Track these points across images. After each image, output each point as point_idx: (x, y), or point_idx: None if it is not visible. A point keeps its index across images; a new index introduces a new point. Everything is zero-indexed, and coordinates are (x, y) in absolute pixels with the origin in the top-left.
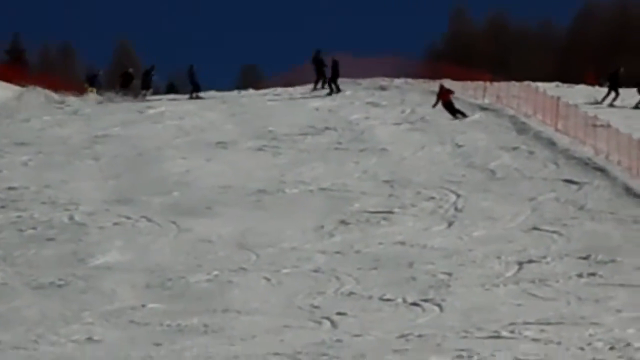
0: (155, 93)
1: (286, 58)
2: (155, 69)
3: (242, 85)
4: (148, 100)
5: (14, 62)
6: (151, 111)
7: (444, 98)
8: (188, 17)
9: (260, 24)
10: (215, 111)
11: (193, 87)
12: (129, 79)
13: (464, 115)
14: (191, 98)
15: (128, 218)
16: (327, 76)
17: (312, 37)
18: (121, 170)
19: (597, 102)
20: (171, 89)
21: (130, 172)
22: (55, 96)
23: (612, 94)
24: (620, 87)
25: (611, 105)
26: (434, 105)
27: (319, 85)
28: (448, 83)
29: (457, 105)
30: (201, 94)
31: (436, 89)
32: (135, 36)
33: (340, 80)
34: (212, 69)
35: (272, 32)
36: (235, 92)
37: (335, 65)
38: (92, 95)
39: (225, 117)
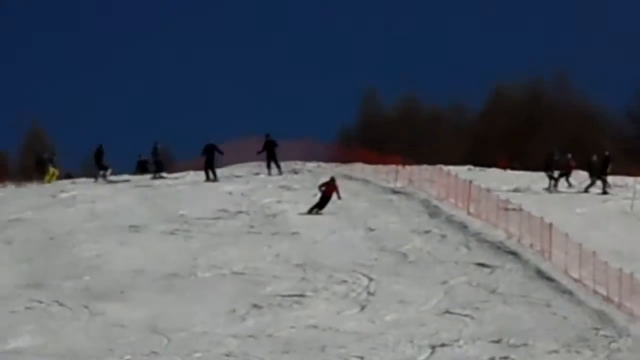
0: (67, 177)
1: (197, 142)
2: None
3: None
4: (62, 186)
5: None
6: (63, 195)
7: (329, 192)
8: (100, 98)
9: (173, 106)
10: (128, 195)
11: (157, 166)
12: (43, 164)
13: (318, 212)
14: (154, 178)
15: (40, 302)
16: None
17: (224, 121)
18: (33, 254)
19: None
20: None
21: (41, 256)
22: None
23: (592, 181)
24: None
25: (586, 191)
26: (320, 187)
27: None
28: (360, 167)
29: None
30: (163, 174)
31: (348, 172)
32: (45, 119)
33: (250, 165)
34: (120, 153)
35: (185, 115)
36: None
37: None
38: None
39: (137, 200)
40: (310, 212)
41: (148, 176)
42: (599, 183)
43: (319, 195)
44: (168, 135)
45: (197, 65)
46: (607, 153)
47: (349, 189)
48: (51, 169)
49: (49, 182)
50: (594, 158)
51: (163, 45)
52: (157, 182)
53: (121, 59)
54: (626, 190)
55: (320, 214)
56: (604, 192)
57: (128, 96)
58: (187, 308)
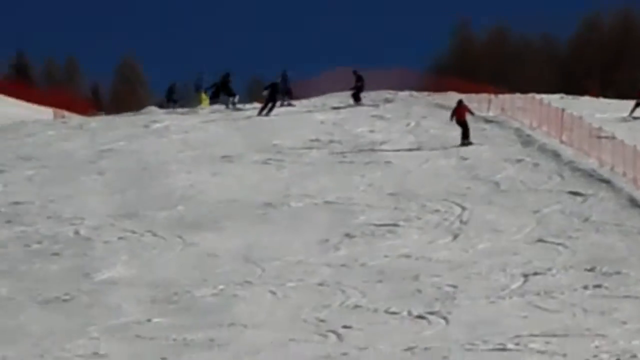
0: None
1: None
2: (231, 76)
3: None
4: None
5: (19, 78)
6: (156, 125)
7: (460, 115)
8: (191, 29)
9: (264, 34)
10: (220, 125)
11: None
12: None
13: (469, 142)
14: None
15: (133, 232)
16: (277, 101)
17: (319, 49)
18: (126, 184)
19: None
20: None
21: (135, 186)
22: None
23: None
24: None
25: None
26: (450, 119)
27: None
28: (452, 96)
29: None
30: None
31: (441, 101)
32: (139, 52)
33: (342, 94)
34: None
35: (277, 43)
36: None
37: (360, 79)
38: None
39: (230, 131)
40: (463, 144)
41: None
42: None
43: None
44: (263, 64)
45: None
46: None
47: (442, 117)
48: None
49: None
50: None
51: None
52: (249, 112)
53: None
54: None
55: (472, 143)
56: None
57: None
58: (280, 238)
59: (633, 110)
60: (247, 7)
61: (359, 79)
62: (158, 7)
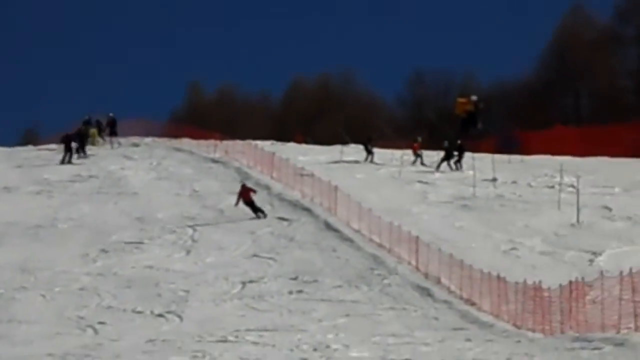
0: None
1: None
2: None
3: (24, 142)
4: None
5: None
6: None
7: (245, 197)
8: None
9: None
10: (2, 162)
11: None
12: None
13: (263, 213)
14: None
15: None
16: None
17: (78, 104)
18: None
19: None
20: None
21: None
22: None
23: (368, 155)
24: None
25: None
26: (236, 204)
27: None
28: (186, 141)
29: (256, 203)
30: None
31: (177, 145)
32: None
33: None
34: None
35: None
36: (18, 148)
37: (114, 123)
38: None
39: (10, 167)
40: (258, 216)
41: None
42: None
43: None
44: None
45: None
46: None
47: (178, 158)
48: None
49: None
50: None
51: None
52: (24, 153)
53: None
54: (395, 160)
55: (265, 214)
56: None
57: None
58: (50, 252)
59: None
60: None
61: (111, 124)
62: None
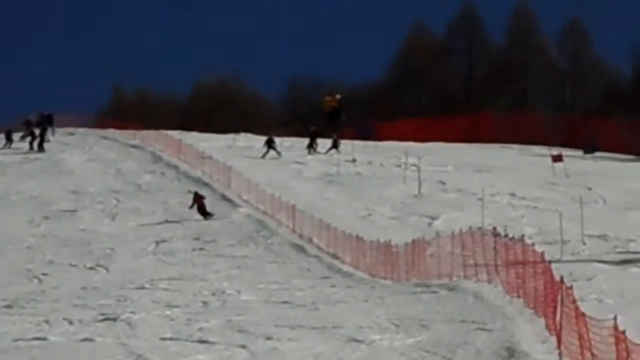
0: None
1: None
2: None
3: None
4: None
5: None
6: None
7: (199, 202)
8: None
9: None
10: None
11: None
12: None
13: (211, 215)
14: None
15: None
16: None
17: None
18: None
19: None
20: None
21: None
22: None
23: (267, 150)
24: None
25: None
26: (190, 207)
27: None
28: (112, 131)
29: (207, 207)
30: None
31: (104, 134)
32: None
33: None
34: None
35: None
36: None
37: (50, 120)
38: None
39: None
40: (205, 219)
41: None
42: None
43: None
44: None
45: None
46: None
47: (105, 144)
48: None
49: None
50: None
51: None
52: None
53: None
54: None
55: (212, 217)
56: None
57: None
58: (3, 219)
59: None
60: None
61: (49, 119)
62: None
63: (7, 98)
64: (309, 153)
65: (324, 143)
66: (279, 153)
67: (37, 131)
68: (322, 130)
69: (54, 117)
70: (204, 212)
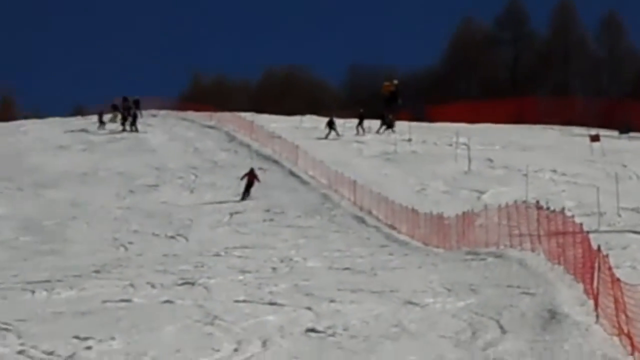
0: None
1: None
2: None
3: (74, 114)
4: None
5: None
6: None
7: (250, 178)
8: None
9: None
10: (58, 128)
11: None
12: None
13: (249, 195)
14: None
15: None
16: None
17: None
18: None
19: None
20: None
21: None
22: None
23: (329, 131)
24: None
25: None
26: (242, 178)
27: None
28: (190, 114)
29: (254, 186)
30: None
31: (183, 117)
32: None
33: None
34: None
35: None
36: (70, 118)
37: (137, 103)
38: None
39: (64, 132)
40: (242, 199)
41: None
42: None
43: (243, 182)
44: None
45: None
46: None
47: (184, 125)
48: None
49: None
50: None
51: None
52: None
53: None
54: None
55: (250, 198)
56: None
57: None
58: (92, 193)
59: (329, 134)
60: None
61: (136, 103)
62: None
63: (103, 84)
64: (357, 133)
65: (373, 124)
66: (338, 134)
67: (130, 112)
68: (366, 113)
69: (140, 101)
70: (248, 189)
